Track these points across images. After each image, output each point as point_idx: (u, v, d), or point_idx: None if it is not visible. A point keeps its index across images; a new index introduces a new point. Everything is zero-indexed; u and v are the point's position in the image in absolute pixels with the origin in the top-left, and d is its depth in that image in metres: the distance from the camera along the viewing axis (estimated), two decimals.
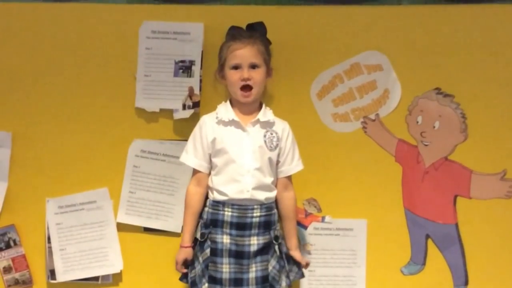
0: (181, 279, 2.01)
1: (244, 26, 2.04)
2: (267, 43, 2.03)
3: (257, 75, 1.94)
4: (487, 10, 2.12)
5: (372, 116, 2.17)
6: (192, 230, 1.99)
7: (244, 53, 1.94)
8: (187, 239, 1.98)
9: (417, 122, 2.16)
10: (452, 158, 2.15)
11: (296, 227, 2.06)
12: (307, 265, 2.03)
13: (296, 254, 2.00)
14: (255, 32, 2.01)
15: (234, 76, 1.94)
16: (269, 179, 1.95)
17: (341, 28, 2.14)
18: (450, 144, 2.16)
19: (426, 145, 2.16)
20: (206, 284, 1.90)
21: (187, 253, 1.97)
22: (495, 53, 2.14)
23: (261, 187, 1.94)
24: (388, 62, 2.14)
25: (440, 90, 2.15)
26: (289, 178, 2.02)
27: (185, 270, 1.98)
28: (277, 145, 1.97)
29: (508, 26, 2.13)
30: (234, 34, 2.00)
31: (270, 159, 1.96)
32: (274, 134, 1.98)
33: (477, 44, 2.14)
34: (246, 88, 1.94)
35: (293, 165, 2.00)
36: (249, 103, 1.96)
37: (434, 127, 2.15)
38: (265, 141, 1.95)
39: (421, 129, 2.16)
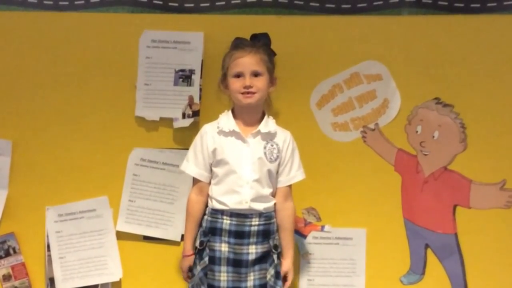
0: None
1: (244, 36, 2.04)
2: (270, 52, 2.02)
3: (259, 83, 1.94)
4: (487, 21, 2.13)
5: (372, 126, 2.17)
6: (194, 238, 1.99)
7: (246, 61, 1.93)
8: (189, 248, 1.99)
9: (417, 131, 2.16)
10: (452, 167, 2.16)
11: (293, 239, 2.04)
12: (284, 278, 1.97)
13: (284, 264, 1.98)
14: (259, 42, 2.01)
15: (236, 84, 1.94)
16: (267, 191, 1.95)
17: (340, 38, 2.15)
18: (450, 154, 2.16)
19: (425, 155, 2.16)
20: None
21: (190, 261, 1.98)
22: (495, 63, 2.14)
23: (259, 199, 1.94)
24: (388, 72, 2.15)
25: (440, 100, 2.15)
26: (288, 188, 2.01)
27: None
28: (277, 156, 1.97)
29: (507, 37, 2.13)
30: (237, 43, 2.00)
31: (269, 171, 1.95)
32: (274, 146, 1.97)
33: (476, 54, 2.14)
34: (249, 92, 1.93)
35: (290, 176, 1.99)
36: (251, 106, 1.95)
37: (433, 136, 2.16)
38: (265, 153, 1.95)
39: (421, 139, 2.16)
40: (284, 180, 1.99)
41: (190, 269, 1.98)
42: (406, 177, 2.17)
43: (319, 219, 2.19)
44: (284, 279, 1.98)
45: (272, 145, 1.97)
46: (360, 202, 2.18)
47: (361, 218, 2.18)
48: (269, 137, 1.98)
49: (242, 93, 1.93)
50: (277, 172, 1.98)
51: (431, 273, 2.18)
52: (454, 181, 2.16)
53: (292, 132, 2.03)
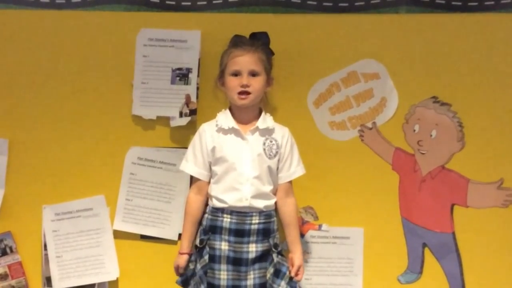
0: (177, 282, 2.00)
1: (241, 34, 2.04)
2: (268, 52, 2.02)
3: (256, 83, 1.94)
4: (484, 19, 2.12)
5: (369, 125, 2.17)
6: (190, 237, 1.99)
7: (245, 60, 1.94)
8: (184, 246, 1.99)
9: (414, 130, 2.16)
10: (449, 166, 2.15)
11: (299, 233, 2.03)
12: (296, 275, 1.96)
13: (295, 259, 1.96)
14: (258, 41, 2.01)
15: (233, 82, 1.95)
16: (267, 188, 1.95)
17: (338, 37, 2.14)
18: (447, 153, 2.16)
19: (423, 154, 2.16)
20: None
21: (185, 259, 1.98)
22: (492, 62, 2.14)
23: (259, 196, 1.94)
24: (385, 71, 2.15)
25: (437, 99, 2.15)
26: (289, 184, 2.01)
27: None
28: (276, 152, 1.97)
29: (505, 35, 2.13)
30: (236, 41, 2.00)
31: (269, 167, 1.96)
32: (273, 142, 1.98)
33: (474, 53, 2.14)
34: (244, 93, 1.94)
35: (291, 171, 2.00)
36: (246, 106, 1.96)
37: (431, 135, 2.15)
38: (264, 149, 1.95)
39: (418, 138, 2.16)
40: (284, 176, 1.99)
41: (185, 268, 1.98)
42: (403, 176, 2.17)
43: (316, 218, 2.18)
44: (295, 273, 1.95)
45: (271, 141, 1.97)
46: (357, 201, 2.17)
47: (358, 217, 2.17)
48: (267, 133, 1.98)
49: (238, 93, 1.93)
50: (277, 168, 1.98)
51: (429, 272, 2.17)
52: (452, 180, 2.15)
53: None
